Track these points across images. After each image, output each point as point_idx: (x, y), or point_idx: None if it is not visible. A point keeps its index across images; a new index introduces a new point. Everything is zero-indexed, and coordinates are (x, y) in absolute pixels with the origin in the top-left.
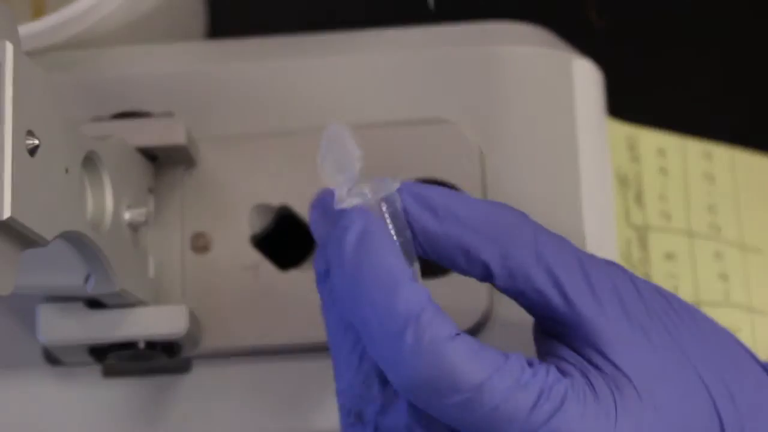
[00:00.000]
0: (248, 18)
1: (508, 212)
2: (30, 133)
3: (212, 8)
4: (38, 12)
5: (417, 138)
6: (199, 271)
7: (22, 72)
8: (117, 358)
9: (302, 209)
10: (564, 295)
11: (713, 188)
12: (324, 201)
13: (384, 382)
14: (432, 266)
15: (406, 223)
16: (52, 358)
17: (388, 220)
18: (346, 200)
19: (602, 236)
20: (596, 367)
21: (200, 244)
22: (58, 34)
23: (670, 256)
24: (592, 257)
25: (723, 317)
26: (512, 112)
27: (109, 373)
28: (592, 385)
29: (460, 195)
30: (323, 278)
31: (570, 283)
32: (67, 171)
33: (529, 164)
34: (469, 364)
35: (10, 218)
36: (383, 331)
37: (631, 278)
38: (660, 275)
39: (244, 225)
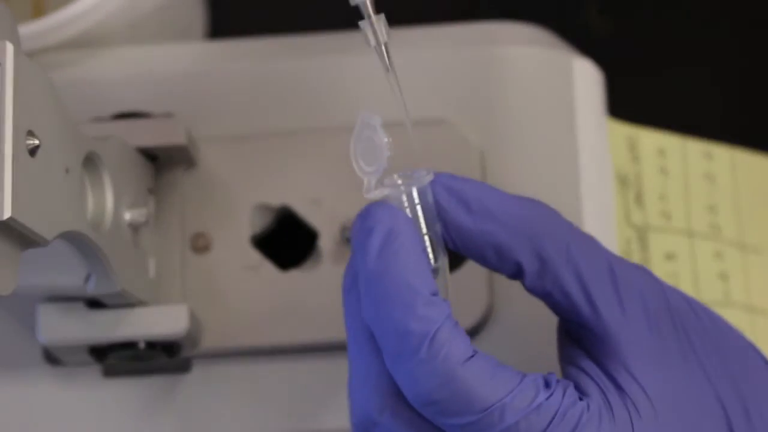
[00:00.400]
0: (248, 18)
1: (541, 210)
2: (30, 133)
3: (212, 8)
4: (38, 12)
5: (417, 138)
6: (199, 271)
7: (22, 72)
8: (117, 358)
9: (302, 209)
10: (591, 302)
11: (713, 188)
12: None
13: (400, 398)
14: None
15: (436, 216)
16: (52, 358)
17: (419, 213)
18: (374, 191)
19: (602, 236)
20: (615, 383)
21: (200, 244)
22: (58, 34)
23: (670, 256)
24: (622, 262)
25: (723, 317)
26: (512, 112)
27: (109, 373)
28: (609, 405)
29: (494, 189)
30: (351, 288)
31: (598, 290)
32: (67, 171)
33: (529, 164)
34: (482, 386)
35: (11, 218)
36: (400, 347)
37: (661, 286)
38: (660, 275)
39: (244, 225)
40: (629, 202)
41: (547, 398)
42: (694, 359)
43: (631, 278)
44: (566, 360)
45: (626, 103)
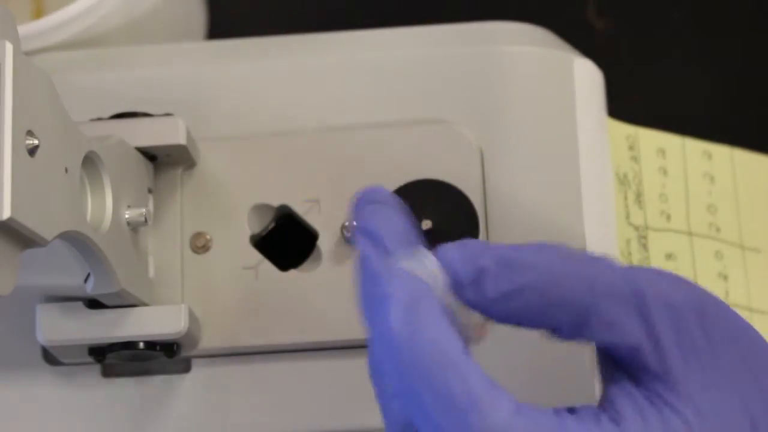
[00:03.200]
0: (248, 18)
1: (551, 255)
2: (30, 133)
3: (212, 8)
4: (38, 12)
5: (417, 138)
6: (198, 271)
7: (22, 72)
8: (116, 358)
9: (302, 209)
10: (659, 350)
11: (713, 188)
12: (372, 193)
13: None
14: None
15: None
16: (51, 358)
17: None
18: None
19: (602, 236)
20: (664, 402)
21: (200, 244)
22: (58, 34)
23: (670, 256)
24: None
25: None
26: (512, 112)
27: (109, 373)
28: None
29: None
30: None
31: (662, 332)
32: (66, 171)
33: (529, 164)
34: None
35: (10, 218)
36: (443, 415)
37: (700, 300)
38: None
39: (244, 225)
40: (629, 202)
41: None
42: (733, 387)
43: (662, 301)
44: (608, 379)
45: (626, 103)
